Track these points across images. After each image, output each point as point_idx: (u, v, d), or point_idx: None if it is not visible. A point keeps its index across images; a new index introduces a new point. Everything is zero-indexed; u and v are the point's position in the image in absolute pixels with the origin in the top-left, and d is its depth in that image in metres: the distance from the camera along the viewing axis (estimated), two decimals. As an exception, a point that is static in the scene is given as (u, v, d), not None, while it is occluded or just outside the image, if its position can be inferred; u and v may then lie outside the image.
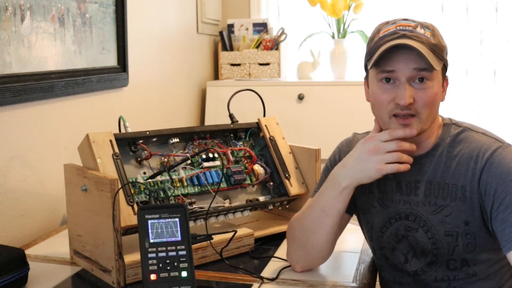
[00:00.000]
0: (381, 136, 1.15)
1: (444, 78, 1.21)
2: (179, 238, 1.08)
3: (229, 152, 1.49)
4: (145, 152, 1.38)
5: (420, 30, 1.16)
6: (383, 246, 1.29)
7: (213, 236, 1.25)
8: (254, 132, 1.59)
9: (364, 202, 1.30)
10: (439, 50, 1.16)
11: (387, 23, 1.21)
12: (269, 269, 1.28)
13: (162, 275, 1.05)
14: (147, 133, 1.39)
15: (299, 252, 1.25)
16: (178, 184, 1.38)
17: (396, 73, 1.15)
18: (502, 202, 1.12)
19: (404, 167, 1.14)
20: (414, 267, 1.26)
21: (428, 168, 1.22)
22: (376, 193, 1.28)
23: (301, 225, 1.25)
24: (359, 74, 2.62)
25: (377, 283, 1.40)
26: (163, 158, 1.40)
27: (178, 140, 1.45)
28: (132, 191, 1.28)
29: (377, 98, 1.18)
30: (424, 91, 1.14)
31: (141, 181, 1.33)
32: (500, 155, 1.16)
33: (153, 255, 1.06)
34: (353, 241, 1.49)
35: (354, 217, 1.36)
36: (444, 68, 1.19)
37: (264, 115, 1.62)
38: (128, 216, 1.23)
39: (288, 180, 1.51)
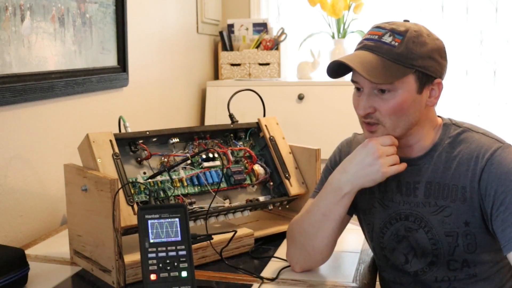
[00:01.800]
0: (383, 140, 1.17)
1: (425, 83, 1.16)
2: (179, 238, 1.08)
3: (229, 152, 1.49)
4: (145, 152, 1.38)
5: (387, 39, 1.15)
6: (384, 246, 1.29)
7: (213, 236, 1.25)
8: (254, 132, 1.59)
9: (365, 203, 1.30)
10: (405, 59, 1.13)
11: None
12: (269, 269, 1.28)
13: (162, 275, 1.05)
14: (147, 133, 1.39)
15: (299, 254, 1.25)
16: (178, 184, 1.38)
17: (360, 84, 1.18)
18: (502, 203, 1.12)
19: (404, 165, 1.18)
20: (414, 267, 1.26)
21: (427, 169, 1.22)
22: (377, 194, 1.28)
23: (301, 228, 1.25)
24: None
25: (377, 283, 1.40)
26: (163, 158, 1.40)
27: (178, 140, 1.45)
28: (132, 191, 1.28)
29: (353, 104, 1.22)
30: (384, 101, 1.16)
31: (141, 181, 1.33)
32: (500, 155, 1.15)
33: (153, 255, 1.06)
34: (353, 241, 1.49)
35: (354, 217, 1.36)
36: (422, 74, 1.14)
37: (264, 115, 1.62)
38: (128, 216, 1.23)
39: (288, 180, 1.51)
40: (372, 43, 1.16)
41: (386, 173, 1.15)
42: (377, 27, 1.19)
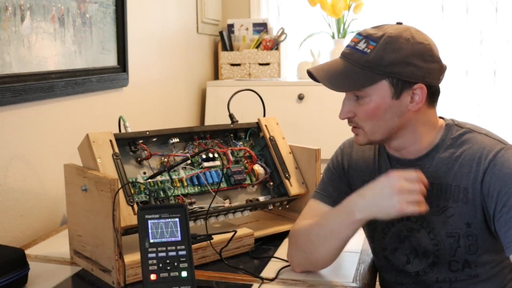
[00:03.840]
0: (408, 175, 1.10)
1: (403, 89, 1.14)
2: (179, 238, 1.08)
3: (229, 152, 1.49)
4: (145, 152, 1.38)
5: (361, 45, 1.15)
6: (385, 247, 1.29)
7: (213, 236, 1.25)
8: (254, 132, 1.59)
9: None
10: (375, 65, 1.12)
11: None
12: (269, 269, 1.28)
13: (162, 275, 1.05)
14: (147, 133, 1.39)
15: (302, 258, 1.24)
16: (178, 184, 1.38)
17: None
18: (505, 204, 1.11)
19: (425, 208, 1.09)
20: (415, 268, 1.25)
21: (428, 169, 1.21)
22: None
23: (307, 237, 1.23)
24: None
25: (377, 283, 1.40)
26: (163, 158, 1.40)
27: (178, 140, 1.45)
28: (132, 191, 1.28)
29: None
30: (360, 107, 1.17)
31: (141, 181, 1.33)
32: (503, 156, 1.14)
33: (153, 255, 1.06)
34: (353, 241, 1.47)
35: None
36: (397, 79, 1.13)
37: (264, 115, 1.62)
38: (128, 216, 1.23)
39: (288, 180, 1.51)
40: (348, 50, 1.19)
41: (402, 210, 1.08)
42: (358, 33, 1.19)
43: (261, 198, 1.50)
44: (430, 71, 1.15)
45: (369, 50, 1.14)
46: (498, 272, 1.24)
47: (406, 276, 1.28)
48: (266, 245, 1.43)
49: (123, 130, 1.41)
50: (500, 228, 1.12)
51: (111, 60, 1.96)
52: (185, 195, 1.38)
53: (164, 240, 1.08)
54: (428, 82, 1.16)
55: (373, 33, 1.16)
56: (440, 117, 1.26)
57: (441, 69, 1.18)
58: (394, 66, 1.13)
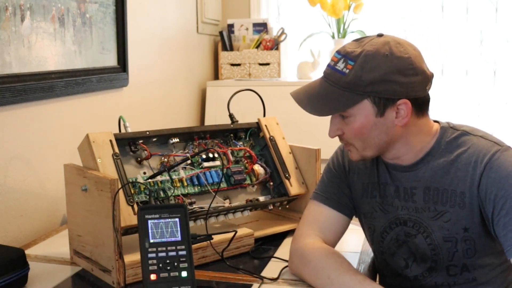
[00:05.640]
0: None
1: (386, 106, 1.13)
2: (179, 238, 1.08)
3: (229, 152, 1.49)
4: (145, 152, 1.38)
5: (339, 65, 1.14)
6: (383, 251, 1.28)
7: (213, 236, 1.25)
8: (254, 132, 1.59)
9: (367, 206, 1.29)
10: (355, 86, 1.11)
11: None
12: (269, 269, 1.28)
13: (162, 275, 1.05)
14: (147, 133, 1.39)
15: (302, 274, 1.20)
16: (178, 184, 1.38)
17: None
18: (503, 207, 1.10)
19: None
20: (414, 272, 1.25)
21: (424, 173, 1.20)
22: (378, 198, 1.27)
23: (313, 277, 1.16)
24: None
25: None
26: (163, 158, 1.40)
27: (178, 140, 1.45)
28: (132, 191, 1.28)
29: None
30: (347, 125, 1.17)
31: (141, 181, 1.33)
32: (499, 159, 1.13)
33: (153, 255, 1.06)
34: (353, 241, 1.49)
35: (355, 217, 1.35)
36: (379, 98, 1.12)
37: (264, 115, 1.62)
38: (128, 216, 1.23)
39: (288, 180, 1.51)
40: (328, 71, 1.17)
41: None
42: (337, 51, 1.18)
43: (261, 198, 1.50)
44: (412, 85, 1.12)
45: (347, 70, 1.12)
46: (497, 275, 1.23)
47: (404, 281, 1.27)
48: (266, 245, 1.43)
49: (123, 130, 1.41)
50: (499, 231, 1.11)
51: (111, 60, 1.96)
52: (185, 195, 1.38)
53: (164, 240, 1.08)
54: (412, 96, 1.13)
55: (351, 51, 1.14)
56: (435, 121, 1.25)
57: (426, 80, 1.15)
58: (373, 85, 1.11)
